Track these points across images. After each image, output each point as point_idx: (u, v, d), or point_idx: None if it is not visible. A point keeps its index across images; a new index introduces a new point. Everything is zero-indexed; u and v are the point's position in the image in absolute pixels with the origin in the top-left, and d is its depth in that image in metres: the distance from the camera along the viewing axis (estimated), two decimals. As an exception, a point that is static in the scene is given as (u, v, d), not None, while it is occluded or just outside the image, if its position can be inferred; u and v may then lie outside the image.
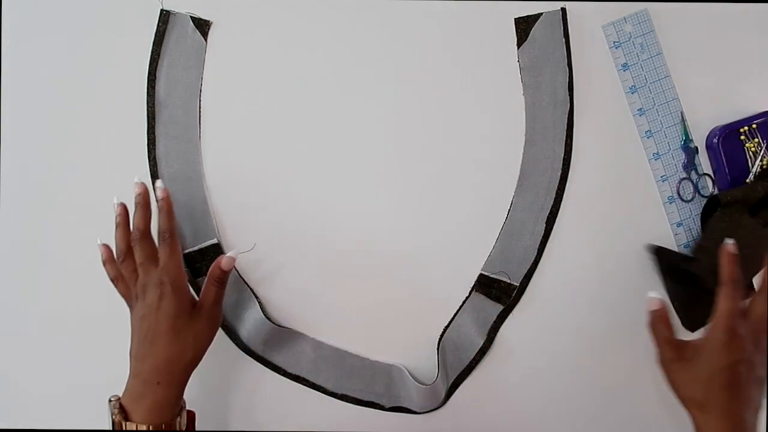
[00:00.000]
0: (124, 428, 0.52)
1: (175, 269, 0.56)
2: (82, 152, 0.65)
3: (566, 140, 0.64)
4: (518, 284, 0.64)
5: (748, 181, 0.63)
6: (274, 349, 0.64)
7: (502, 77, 0.64)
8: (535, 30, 0.63)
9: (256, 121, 0.64)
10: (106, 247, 0.60)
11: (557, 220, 0.64)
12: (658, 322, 0.55)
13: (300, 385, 0.65)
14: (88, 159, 0.65)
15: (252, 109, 0.64)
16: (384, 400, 0.64)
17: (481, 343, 0.64)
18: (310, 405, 0.65)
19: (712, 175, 0.65)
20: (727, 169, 0.63)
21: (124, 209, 0.59)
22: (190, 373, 0.56)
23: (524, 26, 0.64)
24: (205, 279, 0.58)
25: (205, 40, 0.64)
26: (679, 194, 0.64)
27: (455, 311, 0.64)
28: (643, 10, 0.64)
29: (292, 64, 0.64)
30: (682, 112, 0.64)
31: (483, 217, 0.64)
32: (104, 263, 0.59)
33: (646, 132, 0.64)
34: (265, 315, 0.63)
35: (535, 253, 0.64)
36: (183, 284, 0.56)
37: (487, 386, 0.65)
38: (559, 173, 0.64)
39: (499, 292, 0.64)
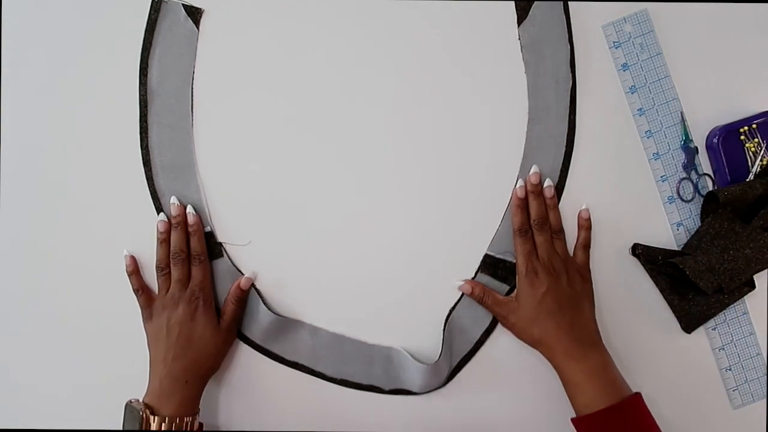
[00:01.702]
0: (152, 422, 0.57)
1: (208, 288, 0.63)
2: (74, 141, 0.64)
3: (569, 117, 0.64)
4: None
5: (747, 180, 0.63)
6: (272, 337, 0.64)
7: (503, 56, 0.64)
8: (535, 7, 0.64)
9: (249, 110, 0.64)
10: (133, 259, 0.64)
11: (562, 198, 0.64)
12: (481, 296, 0.63)
13: (299, 372, 0.65)
14: (81, 148, 0.64)
15: (244, 97, 0.64)
16: (384, 383, 0.64)
17: (487, 324, 0.64)
18: (309, 392, 0.65)
19: (712, 175, 0.65)
20: (727, 169, 0.63)
21: (169, 227, 0.63)
22: (208, 378, 0.62)
23: (524, 4, 0.64)
24: (226, 297, 0.63)
25: (197, 28, 0.64)
26: (679, 194, 0.64)
27: (461, 293, 0.64)
28: (643, 10, 0.64)
29: (284, 51, 0.64)
30: (682, 112, 0.64)
31: (488, 196, 0.64)
32: (130, 275, 0.64)
33: (646, 132, 0.64)
34: (264, 305, 0.63)
35: None
36: (213, 302, 0.63)
37: (491, 367, 0.64)
38: (563, 151, 0.64)
39: (504, 272, 0.64)
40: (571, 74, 0.64)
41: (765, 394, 0.65)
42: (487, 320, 0.64)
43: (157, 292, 0.63)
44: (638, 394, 0.58)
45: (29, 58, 0.64)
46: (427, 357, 0.64)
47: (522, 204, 0.63)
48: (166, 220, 0.63)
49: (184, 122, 0.64)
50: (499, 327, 0.64)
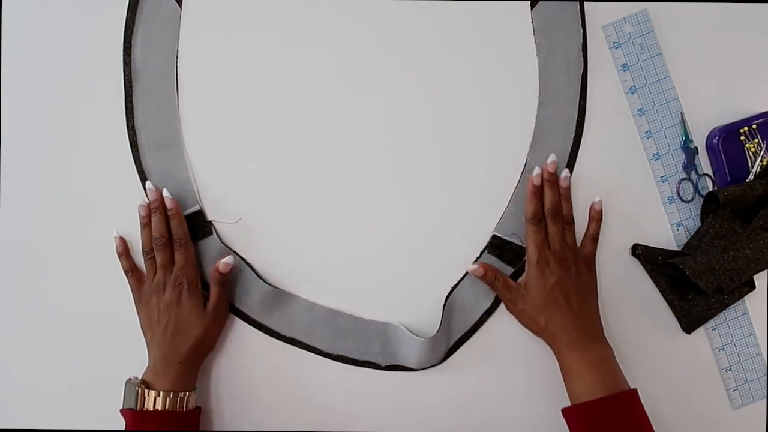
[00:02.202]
0: (146, 397, 0.59)
1: (192, 271, 0.62)
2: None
3: (580, 102, 0.64)
4: None
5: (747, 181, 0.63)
6: (267, 311, 0.64)
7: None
8: None
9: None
10: (123, 240, 0.64)
11: (579, 154, 0.64)
12: (492, 279, 0.63)
13: (294, 347, 0.64)
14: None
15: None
16: (380, 359, 0.64)
17: (488, 305, 0.64)
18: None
19: (712, 176, 0.65)
20: (727, 170, 0.63)
21: (149, 210, 0.63)
22: (203, 358, 0.64)
23: None
24: (209, 281, 0.63)
25: (180, 6, 0.64)
26: (679, 194, 0.64)
27: (465, 272, 0.64)
28: (642, 11, 0.64)
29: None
30: (682, 113, 0.64)
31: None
32: (120, 255, 0.64)
33: (646, 132, 0.64)
34: (259, 277, 0.63)
35: None
36: (198, 285, 0.63)
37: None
38: (573, 135, 0.64)
39: (510, 255, 0.64)
40: (583, 59, 0.64)
41: (765, 394, 0.65)
42: (488, 301, 0.64)
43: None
44: (634, 390, 0.58)
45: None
46: (425, 333, 0.64)
47: (537, 192, 0.62)
48: (146, 203, 0.63)
49: (170, 101, 0.64)
50: (500, 309, 0.64)
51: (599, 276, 0.64)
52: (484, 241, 0.64)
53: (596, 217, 0.63)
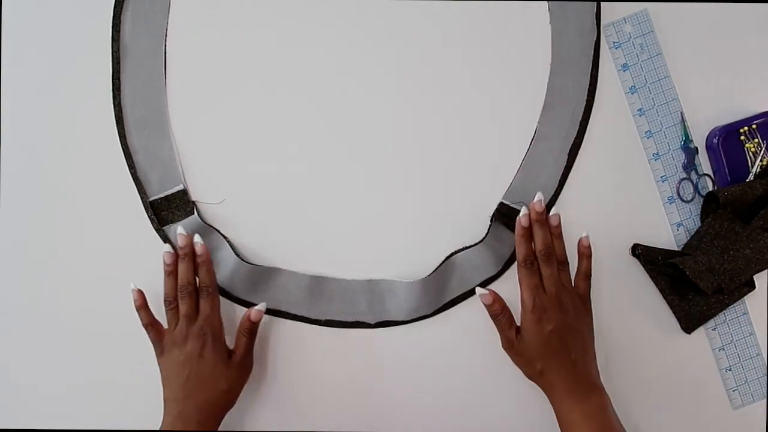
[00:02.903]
0: None
1: (217, 322, 0.61)
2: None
3: (592, 71, 0.64)
4: None
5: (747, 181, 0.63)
6: (251, 288, 0.64)
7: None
8: None
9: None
10: (141, 293, 0.61)
11: (579, 153, 0.64)
12: (499, 313, 0.61)
13: (283, 319, 0.64)
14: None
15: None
16: (369, 317, 0.64)
17: (493, 273, 0.64)
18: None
19: (712, 176, 0.65)
20: (726, 170, 0.63)
21: (175, 258, 0.61)
22: (223, 416, 0.61)
23: None
24: (237, 331, 0.62)
25: None
26: (679, 194, 0.64)
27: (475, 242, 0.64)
28: (642, 11, 0.64)
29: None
30: (682, 112, 0.64)
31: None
32: (138, 309, 0.61)
33: (646, 132, 0.64)
34: (237, 256, 0.63)
35: (556, 185, 0.64)
36: (222, 336, 0.61)
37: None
38: (584, 105, 0.64)
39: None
40: (596, 27, 0.63)
41: (765, 394, 0.65)
42: (493, 270, 0.64)
43: (166, 326, 0.61)
44: None
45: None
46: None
47: (526, 234, 0.61)
48: (172, 251, 0.61)
49: (157, 79, 0.64)
50: (503, 277, 0.64)
51: (599, 277, 0.64)
52: (491, 209, 0.64)
53: (586, 253, 0.62)
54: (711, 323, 0.64)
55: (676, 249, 0.64)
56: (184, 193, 0.64)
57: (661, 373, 0.65)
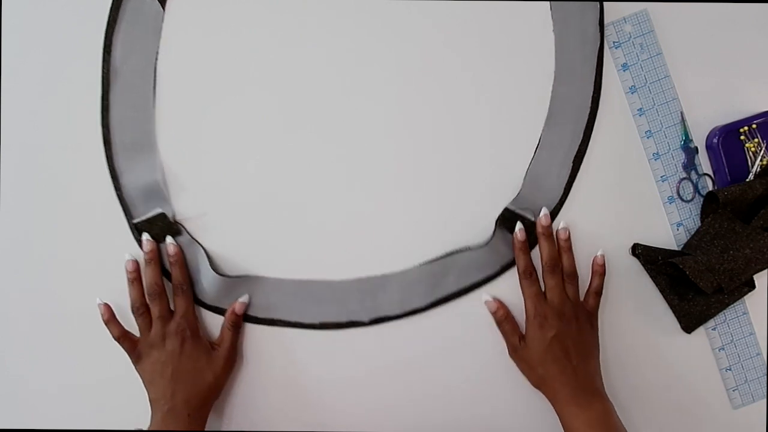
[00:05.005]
0: None
1: (193, 318, 0.62)
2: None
3: (596, 78, 0.63)
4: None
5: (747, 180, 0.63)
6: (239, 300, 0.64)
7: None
8: None
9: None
10: (108, 307, 0.62)
11: (584, 161, 0.64)
12: (503, 320, 0.62)
13: (277, 327, 0.64)
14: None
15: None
16: (362, 315, 0.64)
17: (492, 273, 0.64)
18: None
19: (712, 175, 0.65)
20: (727, 169, 0.63)
21: (137, 265, 0.62)
22: (211, 407, 0.62)
23: None
24: (222, 325, 0.63)
25: (163, 8, 0.64)
26: (679, 194, 0.64)
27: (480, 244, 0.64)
28: (642, 10, 0.64)
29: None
30: (682, 112, 0.64)
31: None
32: (107, 323, 0.61)
33: (646, 132, 0.64)
34: (215, 270, 0.63)
35: (561, 193, 0.64)
36: (199, 331, 0.62)
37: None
38: (588, 113, 0.64)
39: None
40: (599, 35, 0.63)
41: (765, 394, 0.65)
42: (489, 272, 0.64)
43: (138, 334, 0.61)
44: None
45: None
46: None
47: (524, 247, 0.62)
48: (133, 258, 0.62)
49: (147, 102, 0.64)
50: (501, 278, 0.64)
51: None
52: (492, 216, 0.64)
53: (599, 271, 0.62)
54: (711, 323, 0.64)
55: (676, 249, 0.64)
56: (163, 216, 0.63)
57: (661, 373, 0.65)
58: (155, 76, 0.64)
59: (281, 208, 0.64)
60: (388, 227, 0.64)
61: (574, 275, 0.62)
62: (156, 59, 0.64)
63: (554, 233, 0.63)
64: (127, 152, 0.63)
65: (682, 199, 0.64)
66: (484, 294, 0.63)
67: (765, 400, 0.65)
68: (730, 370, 0.65)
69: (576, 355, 0.59)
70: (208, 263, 0.63)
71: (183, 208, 0.64)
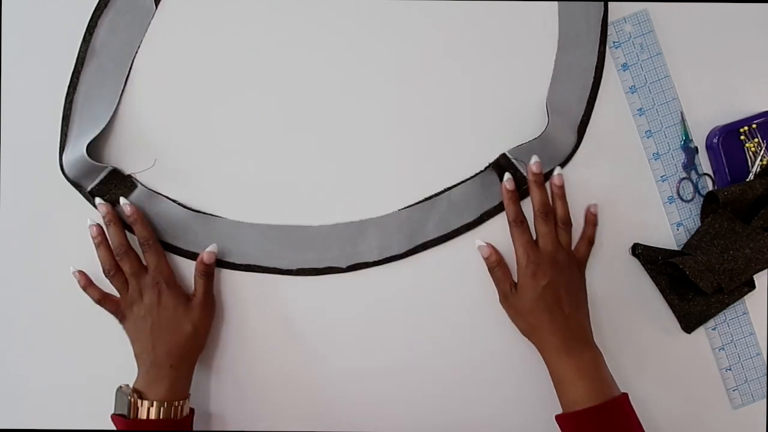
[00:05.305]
0: (139, 407, 0.58)
1: (166, 269, 0.62)
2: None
3: (599, 47, 0.63)
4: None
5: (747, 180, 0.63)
6: (209, 241, 0.63)
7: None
8: None
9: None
10: (82, 273, 0.63)
11: (579, 151, 0.64)
12: (495, 266, 0.62)
13: (254, 273, 0.64)
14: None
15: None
16: (341, 261, 0.64)
17: (471, 220, 0.63)
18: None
19: (712, 175, 0.65)
20: (727, 169, 0.63)
21: (100, 228, 0.62)
22: (197, 357, 0.62)
23: None
24: (194, 276, 0.62)
25: (156, 6, 0.64)
26: (679, 194, 0.64)
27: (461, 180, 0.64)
28: (642, 10, 0.64)
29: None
30: (682, 112, 0.64)
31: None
32: (85, 288, 0.62)
33: (646, 132, 0.64)
34: (188, 209, 0.63)
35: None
36: (175, 281, 0.62)
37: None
38: (591, 82, 0.63)
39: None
40: (603, 3, 0.63)
41: (765, 394, 0.65)
42: (467, 218, 0.63)
43: (119, 295, 0.62)
44: (625, 395, 0.57)
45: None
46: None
47: (513, 196, 0.62)
48: (95, 223, 0.62)
49: (116, 88, 0.64)
50: (482, 227, 0.64)
51: (599, 277, 0.64)
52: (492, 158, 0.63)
53: (592, 220, 0.63)
54: (711, 323, 0.64)
55: (676, 249, 0.64)
56: (114, 171, 0.63)
57: (661, 373, 0.65)
58: (131, 68, 0.64)
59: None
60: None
61: (568, 222, 0.61)
62: (136, 53, 0.64)
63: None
64: (85, 131, 0.63)
65: (682, 199, 0.64)
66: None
67: (765, 400, 0.65)
68: (730, 370, 0.65)
69: (568, 303, 0.59)
70: (173, 204, 0.63)
71: (129, 163, 0.64)
